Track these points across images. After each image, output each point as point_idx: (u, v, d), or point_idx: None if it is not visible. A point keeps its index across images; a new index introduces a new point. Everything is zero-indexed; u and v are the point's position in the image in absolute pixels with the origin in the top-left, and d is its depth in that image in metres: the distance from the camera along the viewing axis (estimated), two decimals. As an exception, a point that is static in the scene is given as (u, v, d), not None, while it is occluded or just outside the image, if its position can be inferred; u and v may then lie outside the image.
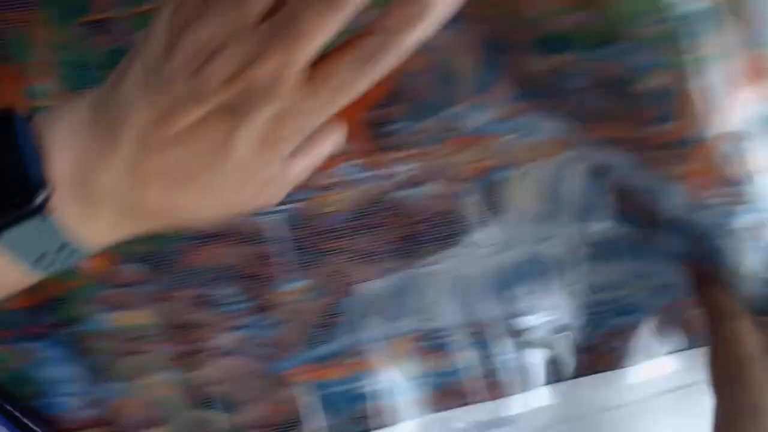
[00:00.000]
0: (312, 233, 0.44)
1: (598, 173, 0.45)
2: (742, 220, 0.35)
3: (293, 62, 0.21)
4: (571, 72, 0.32)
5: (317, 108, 0.22)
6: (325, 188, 0.44)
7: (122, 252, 0.42)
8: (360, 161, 0.44)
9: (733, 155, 0.32)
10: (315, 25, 0.20)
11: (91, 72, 0.40)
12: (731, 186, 0.33)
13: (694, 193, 0.34)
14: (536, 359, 0.46)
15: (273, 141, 0.22)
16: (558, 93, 0.36)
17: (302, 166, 0.25)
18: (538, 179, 0.45)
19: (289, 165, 0.24)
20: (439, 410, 0.45)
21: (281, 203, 0.42)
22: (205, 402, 0.43)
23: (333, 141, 0.26)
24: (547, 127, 0.44)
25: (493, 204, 0.45)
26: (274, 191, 0.25)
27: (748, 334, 0.38)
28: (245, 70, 0.20)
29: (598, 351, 0.46)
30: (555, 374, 0.46)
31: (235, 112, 0.21)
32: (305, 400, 0.44)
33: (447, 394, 0.45)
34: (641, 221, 0.44)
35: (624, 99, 0.32)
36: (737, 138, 0.32)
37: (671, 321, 0.47)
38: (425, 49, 0.40)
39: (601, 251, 0.46)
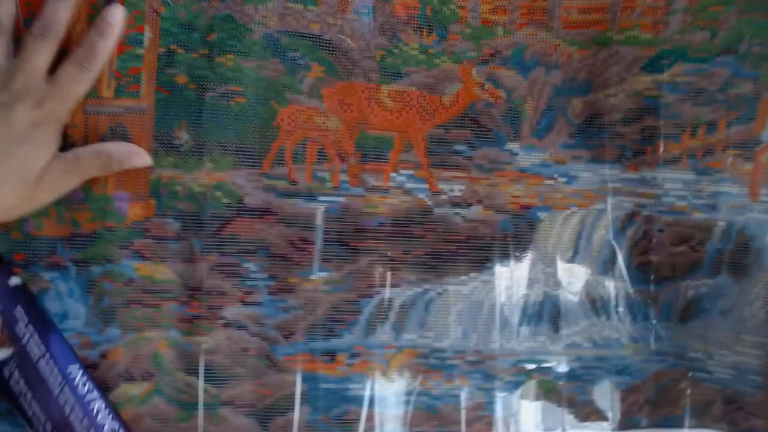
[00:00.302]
0: (350, 229, 0.44)
1: (626, 225, 0.47)
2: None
3: (34, 71, 0.35)
4: (673, 84, 0.44)
5: (61, 95, 0.36)
6: (375, 189, 0.44)
7: (162, 205, 0.41)
8: (414, 172, 0.45)
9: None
10: (38, 50, 0.36)
11: (193, 33, 0.41)
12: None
13: (753, 191, 0.44)
14: (528, 403, 0.47)
15: (39, 123, 0.36)
16: (651, 109, 0.45)
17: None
18: (572, 226, 0.47)
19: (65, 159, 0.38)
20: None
21: (329, 194, 0.43)
22: (195, 368, 0.42)
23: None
24: (588, 176, 0.47)
25: (524, 241, 0.46)
26: (57, 182, 0.38)
27: None
28: (7, 84, 0.35)
29: (591, 406, 0.47)
30: (544, 421, 0.47)
31: (7, 107, 0.35)
32: (295, 389, 0.44)
33: (433, 417, 0.46)
34: (654, 277, 0.47)
35: (715, 103, 0.43)
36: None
37: (662, 390, 0.48)
38: (500, 85, 0.43)
39: (610, 307, 0.47)
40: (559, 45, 0.46)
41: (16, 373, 0.38)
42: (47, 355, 0.38)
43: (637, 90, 0.45)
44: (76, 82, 0.37)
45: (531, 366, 0.47)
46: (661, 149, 0.45)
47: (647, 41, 0.44)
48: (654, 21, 0.44)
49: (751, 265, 0.45)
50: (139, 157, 0.39)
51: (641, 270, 0.47)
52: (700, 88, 0.44)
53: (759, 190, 0.45)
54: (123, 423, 0.40)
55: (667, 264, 0.47)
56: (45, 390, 0.38)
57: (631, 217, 0.47)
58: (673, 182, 0.46)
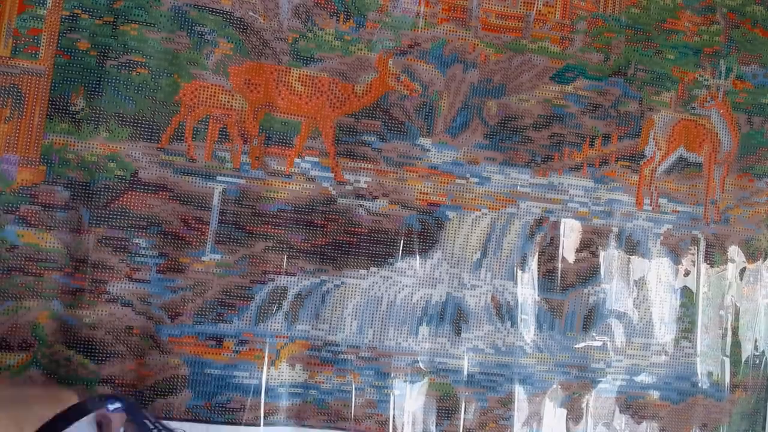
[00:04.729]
0: (247, 213, 0.43)
1: (535, 231, 0.47)
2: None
3: None
4: (576, 96, 0.48)
5: None
6: (276, 174, 0.43)
7: (53, 172, 0.40)
8: (320, 159, 0.44)
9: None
10: None
11: None
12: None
13: (638, 200, 0.49)
14: (423, 405, 0.46)
15: None
16: (558, 117, 0.48)
17: None
18: (481, 228, 0.46)
19: None
20: (307, 426, 0.44)
21: (229, 175, 0.42)
22: (75, 342, 0.41)
23: None
24: (500, 179, 0.46)
25: (430, 239, 0.45)
26: None
27: None
28: None
29: (489, 415, 0.46)
30: (438, 426, 0.46)
31: None
32: (178, 372, 0.42)
33: (322, 411, 0.44)
34: (557, 286, 0.47)
35: (608, 118, 0.48)
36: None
37: (567, 400, 0.47)
38: (416, 78, 0.42)
39: (516, 314, 0.47)
40: (477, 45, 0.45)
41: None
42: None
43: (546, 98, 0.47)
44: None
45: (428, 367, 0.46)
46: (567, 156, 0.47)
47: (555, 54, 0.47)
48: (561, 37, 0.47)
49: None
50: None
51: (548, 277, 0.46)
52: (597, 103, 0.48)
53: (643, 200, 0.48)
54: None
55: (571, 271, 0.46)
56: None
57: (539, 222, 0.46)
58: (575, 189, 0.47)
